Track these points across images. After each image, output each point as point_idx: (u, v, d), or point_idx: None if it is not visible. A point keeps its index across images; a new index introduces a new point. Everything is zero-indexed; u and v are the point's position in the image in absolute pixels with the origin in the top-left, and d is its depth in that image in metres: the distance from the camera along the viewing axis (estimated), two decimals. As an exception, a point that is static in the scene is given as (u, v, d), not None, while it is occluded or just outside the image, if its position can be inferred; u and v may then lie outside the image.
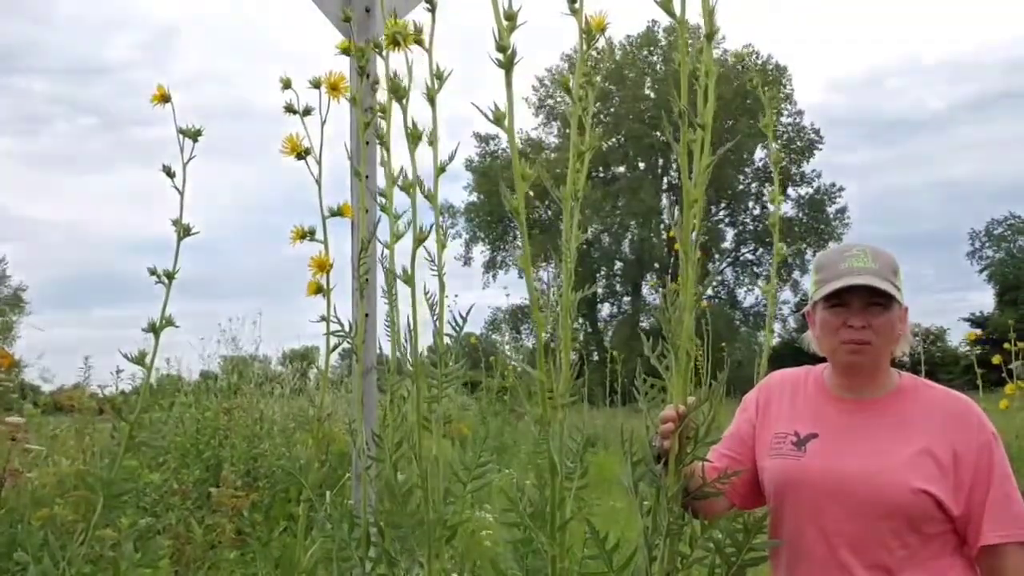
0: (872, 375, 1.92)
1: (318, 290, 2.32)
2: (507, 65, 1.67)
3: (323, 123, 2.36)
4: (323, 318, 2.30)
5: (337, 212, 2.38)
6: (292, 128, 2.35)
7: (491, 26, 1.66)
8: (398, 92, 2.03)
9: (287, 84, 2.35)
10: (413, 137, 2.02)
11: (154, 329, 2.29)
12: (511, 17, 1.67)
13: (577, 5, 1.74)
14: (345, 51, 2.40)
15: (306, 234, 2.34)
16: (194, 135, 2.33)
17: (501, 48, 1.66)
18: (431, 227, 2.05)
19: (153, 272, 2.29)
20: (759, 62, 38.39)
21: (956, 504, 1.78)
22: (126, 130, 53.14)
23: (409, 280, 2.06)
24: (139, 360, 2.28)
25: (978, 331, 7.57)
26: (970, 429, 1.83)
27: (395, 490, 2.04)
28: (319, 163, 2.34)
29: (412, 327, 2.08)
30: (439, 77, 1.98)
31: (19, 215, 48.78)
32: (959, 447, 1.80)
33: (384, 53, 2.09)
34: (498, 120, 1.69)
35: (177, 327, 2.31)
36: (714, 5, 1.72)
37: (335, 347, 2.33)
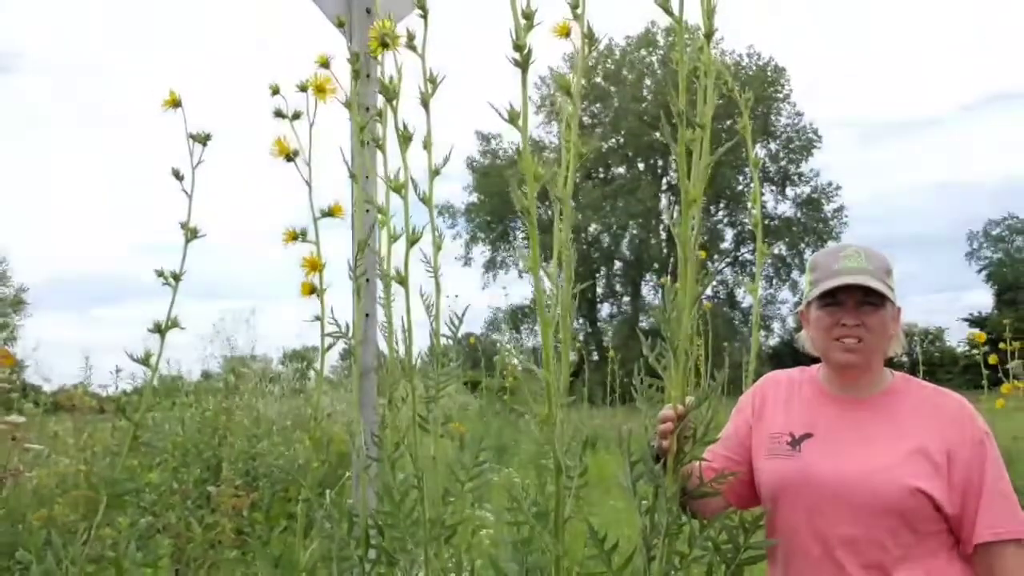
0: (865, 374, 1.93)
1: (312, 291, 2.33)
2: (523, 64, 1.67)
3: (311, 125, 2.37)
4: (317, 318, 2.32)
5: (328, 213, 2.39)
6: (282, 130, 2.36)
7: (508, 25, 1.66)
8: (388, 93, 2.05)
9: (276, 90, 2.36)
10: (404, 139, 2.04)
11: (160, 330, 2.30)
12: (528, 16, 1.67)
13: (579, 11, 1.75)
14: (352, 63, 2.41)
15: (298, 235, 2.35)
16: (204, 140, 2.34)
17: (518, 47, 1.67)
18: (424, 228, 2.07)
19: (160, 274, 2.31)
20: (759, 63, 38.41)
21: (950, 502, 1.79)
22: (123, 130, 53.15)
23: (403, 281, 2.07)
24: (144, 361, 2.29)
25: (977, 331, 7.54)
26: (963, 427, 1.84)
27: (390, 490, 2.05)
28: (308, 165, 2.36)
29: (407, 327, 2.09)
30: (432, 82, 2.00)
31: (18, 215, 48.77)
32: (952, 445, 1.81)
33: (380, 58, 2.10)
34: (512, 120, 1.70)
35: (183, 328, 2.32)
36: (714, 6, 1.73)
37: (330, 347, 2.34)
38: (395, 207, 2.19)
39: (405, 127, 2.04)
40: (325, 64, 2.35)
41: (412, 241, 2.06)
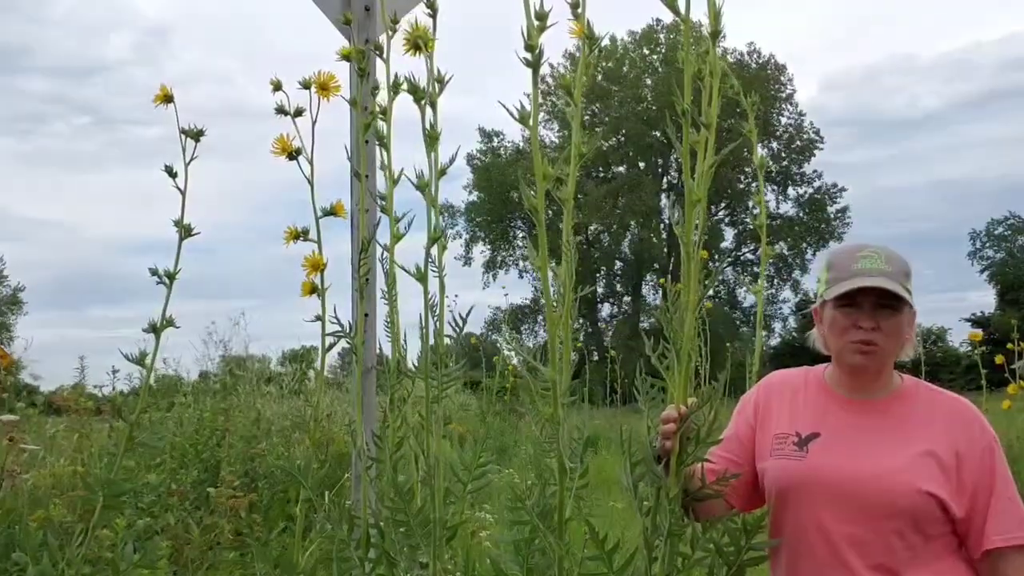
0: (876, 377, 1.91)
1: (313, 290, 2.31)
2: (534, 65, 1.67)
3: (314, 123, 2.35)
4: (318, 318, 2.30)
5: (330, 212, 2.37)
6: (284, 128, 2.35)
7: (521, 24, 1.65)
8: (416, 93, 2.03)
9: (277, 86, 2.34)
10: (431, 139, 2.03)
11: (155, 329, 2.28)
12: (542, 17, 1.66)
13: (580, 10, 1.74)
14: (346, 57, 2.39)
15: (300, 234, 2.33)
16: (196, 135, 2.32)
17: (529, 48, 1.66)
18: (434, 228, 2.05)
19: (154, 272, 2.29)
20: (759, 61, 38.42)
21: (959, 506, 1.78)
22: (122, 130, 53.23)
23: (423, 278, 2.05)
24: (139, 360, 2.27)
25: (978, 331, 7.53)
26: (972, 432, 1.83)
27: (399, 490, 2.04)
28: (311, 163, 2.34)
29: (424, 324, 2.08)
30: (440, 81, 1.98)
31: (17, 215, 48.88)
32: (961, 449, 1.80)
33: (385, 56, 2.08)
34: (523, 119, 1.69)
35: (177, 327, 2.30)
36: (720, 5, 1.72)
37: (331, 347, 2.33)
38: (398, 206, 2.18)
39: (432, 126, 2.03)
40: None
41: (433, 240, 2.05)
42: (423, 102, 2.03)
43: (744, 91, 2.68)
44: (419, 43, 1.98)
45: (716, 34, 1.72)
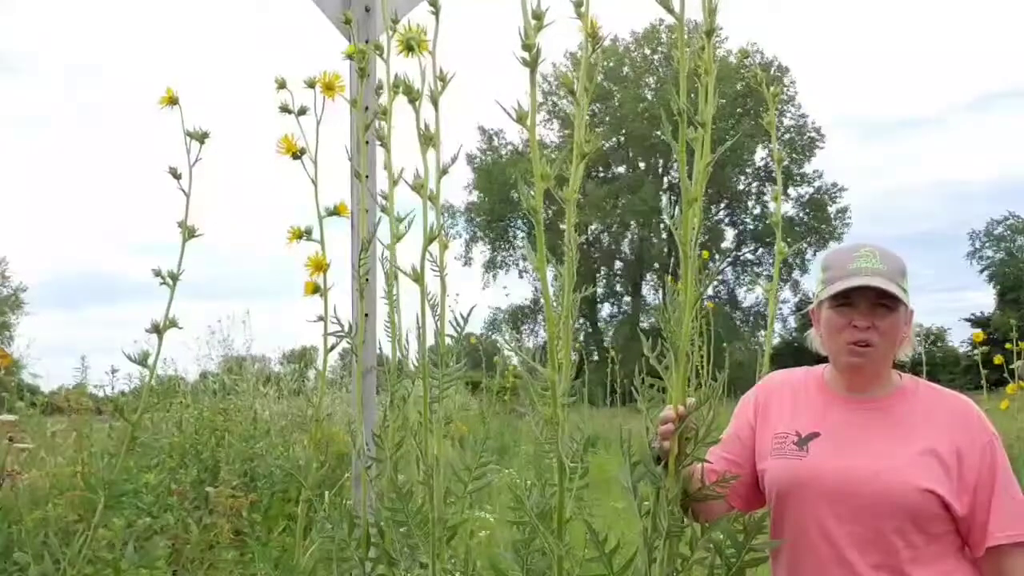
0: (874, 376, 1.91)
1: (315, 290, 2.32)
2: (532, 64, 1.66)
3: (318, 123, 2.36)
4: (320, 318, 2.30)
5: (334, 212, 2.37)
6: (289, 127, 2.35)
7: (516, 23, 1.65)
8: (411, 94, 2.03)
9: (282, 84, 2.35)
10: (425, 139, 2.02)
11: (157, 330, 2.28)
12: (539, 16, 1.66)
13: (583, 9, 1.74)
14: (350, 56, 2.40)
15: (303, 234, 2.34)
16: (201, 137, 2.33)
17: (527, 47, 1.66)
18: (431, 228, 2.05)
19: (158, 273, 2.29)
20: (762, 61, 38.37)
21: (960, 504, 1.78)
22: (122, 130, 53.20)
23: (419, 279, 2.05)
24: (142, 360, 2.27)
25: (980, 331, 7.52)
26: (973, 430, 1.83)
27: (398, 490, 2.04)
28: (315, 163, 2.34)
29: (420, 325, 2.08)
30: (442, 80, 1.98)
31: (17, 215, 48.79)
32: (962, 447, 1.80)
33: (385, 56, 2.08)
34: (521, 119, 1.69)
35: (180, 328, 2.31)
36: (716, 4, 1.72)
37: (333, 347, 2.33)
38: (399, 206, 2.18)
39: (427, 127, 2.02)
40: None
41: (430, 239, 2.05)
42: (417, 103, 2.03)
43: (747, 93, 2.69)
44: (412, 44, 1.98)
45: (711, 32, 1.72)
